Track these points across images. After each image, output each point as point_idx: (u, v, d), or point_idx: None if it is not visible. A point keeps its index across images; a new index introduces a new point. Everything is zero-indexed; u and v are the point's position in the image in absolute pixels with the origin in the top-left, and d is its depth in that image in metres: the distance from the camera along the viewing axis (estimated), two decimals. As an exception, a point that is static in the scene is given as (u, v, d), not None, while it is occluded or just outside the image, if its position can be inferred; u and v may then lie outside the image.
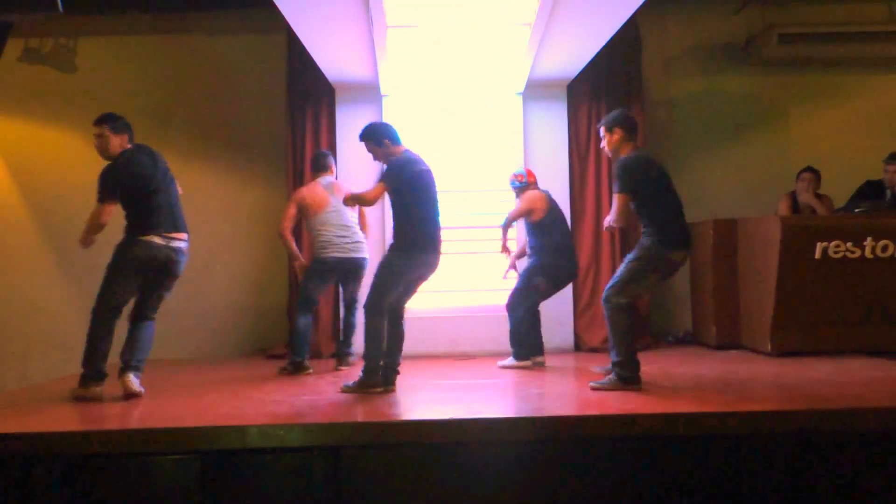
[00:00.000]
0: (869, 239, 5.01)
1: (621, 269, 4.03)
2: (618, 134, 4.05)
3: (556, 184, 5.68)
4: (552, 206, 5.12)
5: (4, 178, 6.53)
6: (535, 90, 6.07)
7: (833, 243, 5.01)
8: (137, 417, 3.66)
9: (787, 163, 6.32)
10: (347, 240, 4.96)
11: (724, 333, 5.66)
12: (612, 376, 3.96)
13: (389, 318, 4.17)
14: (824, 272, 5.04)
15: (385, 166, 4.21)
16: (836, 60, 6.55)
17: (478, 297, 5.95)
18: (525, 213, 5.11)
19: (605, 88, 6.28)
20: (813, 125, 6.71)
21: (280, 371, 4.99)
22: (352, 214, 5.01)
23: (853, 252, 5.02)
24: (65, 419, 3.59)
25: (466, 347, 5.75)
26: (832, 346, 5.08)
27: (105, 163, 4.11)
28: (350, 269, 5.02)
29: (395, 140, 4.24)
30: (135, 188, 4.04)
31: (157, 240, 4.03)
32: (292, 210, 5.09)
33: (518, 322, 5.04)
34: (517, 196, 5.24)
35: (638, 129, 4.14)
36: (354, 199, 4.22)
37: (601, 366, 4.49)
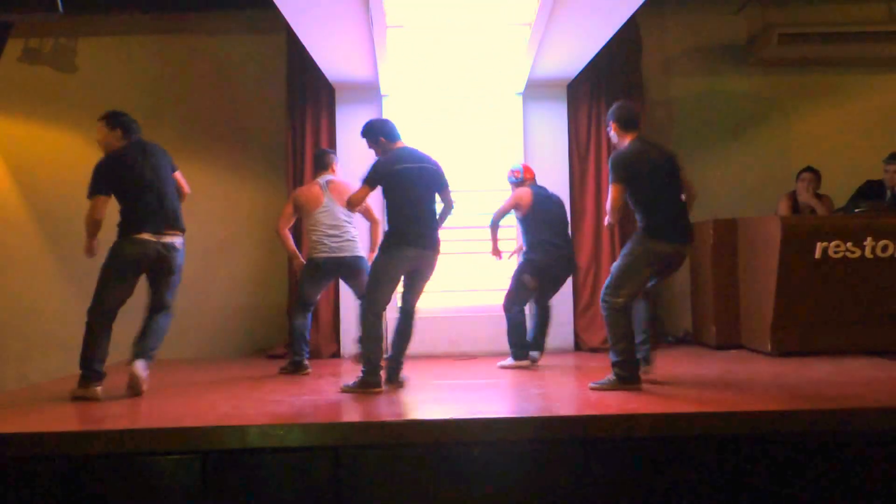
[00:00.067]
0: (869, 239, 5.01)
1: (614, 266, 4.06)
2: (614, 127, 4.12)
3: (556, 184, 5.68)
4: (538, 203, 5.10)
5: (4, 178, 6.53)
6: (535, 90, 6.08)
7: (833, 243, 5.01)
8: (137, 417, 3.67)
9: (787, 163, 6.32)
10: (337, 240, 4.94)
11: (724, 333, 5.66)
12: (610, 376, 3.96)
13: (400, 316, 4.25)
14: (824, 272, 5.04)
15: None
16: (836, 60, 6.56)
17: (478, 297, 5.95)
18: (509, 210, 5.14)
19: (605, 88, 6.28)
20: (813, 125, 6.71)
21: (280, 371, 5.00)
22: (346, 214, 4.99)
23: (853, 252, 5.02)
24: (65, 419, 3.59)
25: (466, 347, 5.76)
26: (832, 346, 5.07)
27: None
28: (342, 269, 5.00)
29: (390, 137, 4.27)
30: (123, 184, 4.07)
31: (147, 237, 4.04)
32: (288, 209, 5.11)
33: (514, 321, 5.05)
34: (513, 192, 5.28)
35: (635, 120, 4.11)
36: (346, 203, 4.34)
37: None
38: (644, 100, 6.35)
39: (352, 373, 4.32)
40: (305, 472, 3.15)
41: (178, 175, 4.32)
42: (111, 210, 4.12)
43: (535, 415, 3.46)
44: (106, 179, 4.07)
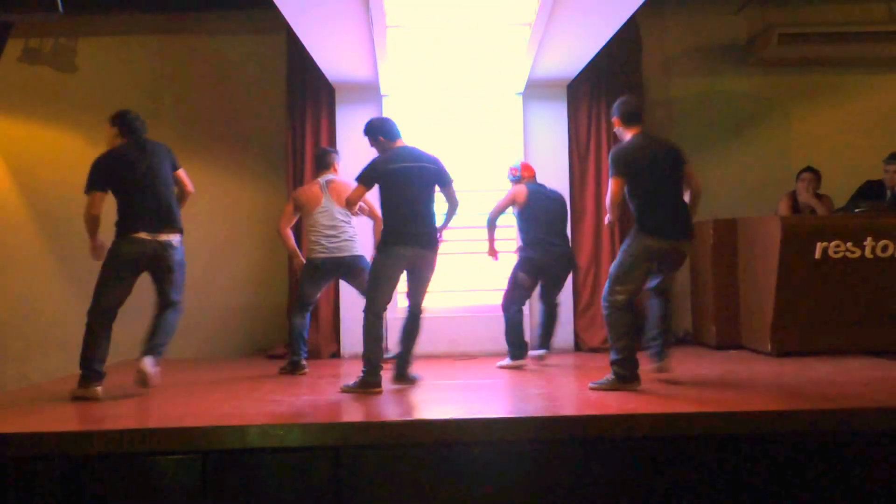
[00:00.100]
0: (869, 239, 5.01)
1: (613, 265, 4.08)
2: (616, 122, 4.14)
3: (555, 184, 5.67)
4: (533, 200, 5.11)
5: (4, 178, 6.53)
6: (535, 90, 6.08)
7: (833, 243, 5.01)
8: (137, 417, 3.67)
9: (787, 163, 6.32)
10: (335, 240, 4.95)
11: (724, 333, 5.66)
12: (610, 375, 3.96)
13: (406, 315, 4.27)
14: (824, 272, 5.04)
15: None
16: (836, 60, 6.56)
17: (478, 297, 5.95)
18: (504, 208, 5.16)
19: (605, 88, 6.27)
20: (813, 125, 6.71)
21: (280, 371, 5.00)
22: (343, 214, 4.98)
23: (853, 252, 5.02)
24: (65, 419, 3.59)
25: (466, 347, 5.75)
26: (832, 346, 5.08)
27: None
28: (340, 269, 5.00)
29: (389, 135, 4.28)
30: (119, 182, 4.08)
31: (143, 236, 4.04)
32: (289, 208, 5.13)
33: (512, 321, 5.06)
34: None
35: (637, 114, 4.11)
36: (345, 202, 4.37)
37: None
38: (644, 100, 6.33)
39: (352, 373, 4.32)
40: (305, 472, 3.15)
41: (181, 173, 4.31)
42: (111, 210, 4.12)
43: (535, 415, 3.46)
44: (101, 175, 4.09)
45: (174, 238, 4.15)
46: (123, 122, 4.19)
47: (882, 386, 3.92)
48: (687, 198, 4.11)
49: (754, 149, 6.63)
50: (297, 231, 5.48)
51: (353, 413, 3.66)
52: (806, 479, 3.16)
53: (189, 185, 4.35)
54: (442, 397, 4.10)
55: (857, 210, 5.31)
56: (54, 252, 6.39)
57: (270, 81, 6.41)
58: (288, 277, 6.10)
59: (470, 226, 5.88)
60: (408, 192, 4.15)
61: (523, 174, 5.26)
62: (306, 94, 6.22)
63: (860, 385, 3.96)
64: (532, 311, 5.98)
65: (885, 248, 5.01)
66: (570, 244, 5.41)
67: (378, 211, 5.07)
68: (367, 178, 4.18)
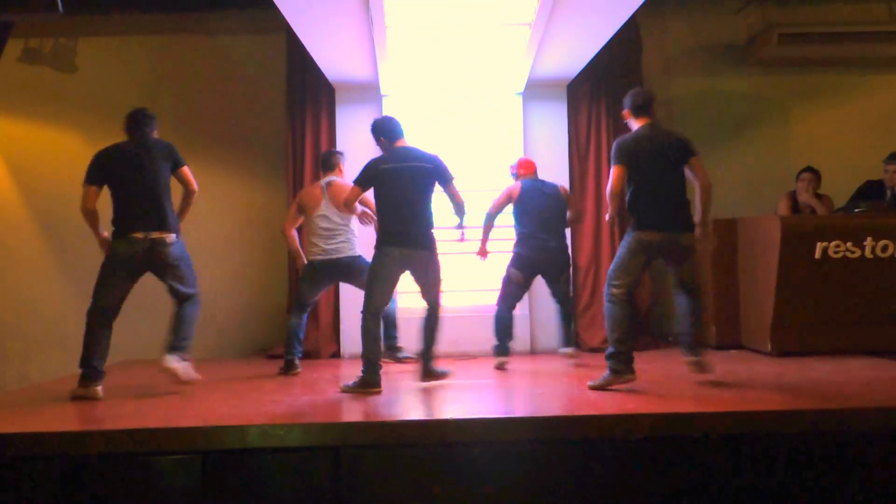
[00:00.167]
0: (869, 239, 5.02)
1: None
2: (626, 114, 4.17)
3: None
4: (525, 196, 5.11)
5: (4, 178, 6.53)
6: (535, 90, 6.07)
7: (833, 243, 5.01)
8: (138, 417, 3.66)
9: (787, 163, 6.32)
10: (332, 242, 4.96)
11: (723, 333, 5.65)
12: (606, 372, 3.97)
13: (425, 312, 4.27)
14: (824, 272, 5.04)
15: None
16: (836, 60, 6.56)
17: (478, 297, 5.95)
18: (501, 205, 5.17)
19: (605, 88, 6.27)
20: (813, 125, 6.71)
21: (280, 371, 5.00)
22: (340, 216, 4.98)
23: (853, 252, 5.02)
24: (65, 419, 3.59)
25: (466, 347, 5.75)
26: (832, 346, 5.07)
27: None
28: (337, 270, 5.01)
29: (390, 136, 4.29)
30: (112, 179, 4.13)
31: (136, 235, 4.07)
32: (293, 209, 5.17)
33: (497, 317, 5.07)
34: None
35: (646, 106, 4.09)
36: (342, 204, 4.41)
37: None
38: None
39: (352, 373, 4.32)
40: (305, 472, 3.15)
41: (185, 171, 4.29)
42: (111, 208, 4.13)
43: (536, 415, 3.47)
44: (95, 170, 4.15)
45: (168, 236, 4.15)
46: (128, 120, 4.24)
47: (882, 386, 3.92)
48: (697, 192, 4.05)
49: (754, 149, 6.63)
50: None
51: (352, 413, 3.66)
52: (806, 479, 3.16)
53: (193, 184, 4.34)
54: (442, 397, 4.09)
55: (857, 210, 5.31)
56: (54, 252, 6.39)
57: (270, 81, 6.41)
58: (288, 277, 6.10)
59: (470, 226, 5.87)
60: (399, 193, 4.15)
61: (519, 171, 5.28)
62: (306, 94, 6.22)
63: (860, 385, 3.96)
64: (532, 310, 6.01)
65: (885, 248, 5.01)
66: (567, 240, 5.38)
67: None
68: (361, 179, 4.23)
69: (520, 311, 5.80)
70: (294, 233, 5.15)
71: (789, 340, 5.11)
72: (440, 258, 4.29)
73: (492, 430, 3.24)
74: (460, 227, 4.43)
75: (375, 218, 4.80)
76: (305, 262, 5.11)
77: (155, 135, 4.33)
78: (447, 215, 4.43)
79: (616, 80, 6.27)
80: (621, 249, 4.06)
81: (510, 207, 5.20)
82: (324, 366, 5.43)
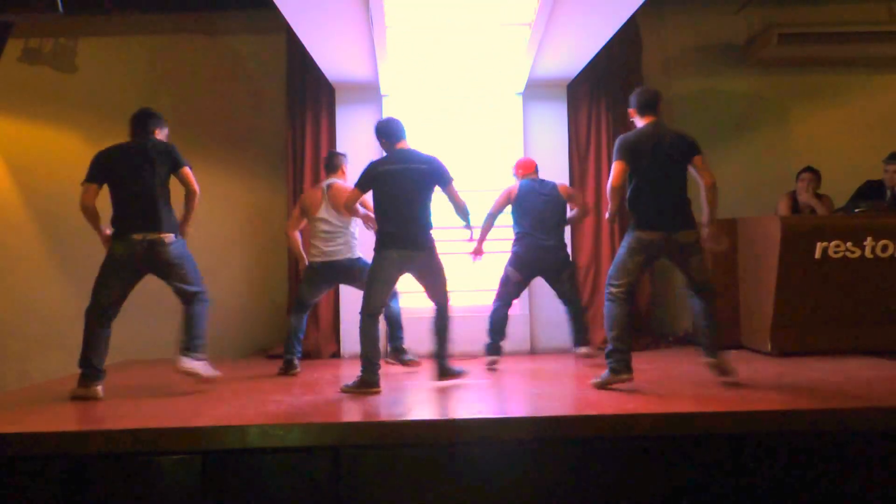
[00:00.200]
0: (869, 239, 5.02)
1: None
2: (632, 112, 4.17)
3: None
4: (521, 195, 5.12)
5: (4, 178, 6.53)
6: (535, 90, 6.08)
7: (833, 243, 5.02)
8: (138, 417, 3.66)
9: (787, 163, 6.32)
10: (331, 244, 4.96)
11: (723, 333, 5.64)
12: (605, 371, 3.98)
13: (435, 314, 4.29)
14: (824, 272, 5.04)
15: None
16: (836, 60, 6.56)
17: (478, 297, 5.94)
18: (501, 205, 5.17)
19: (605, 88, 6.28)
20: (813, 125, 6.71)
21: (280, 371, 5.00)
22: (339, 218, 4.98)
23: (853, 252, 5.02)
24: (65, 419, 3.59)
25: (466, 347, 5.73)
26: (832, 346, 5.07)
27: None
28: (336, 272, 5.02)
29: (390, 137, 4.30)
30: (109, 179, 4.16)
31: (133, 236, 4.08)
32: (296, 211, 5.19)
33: (492, 315, 5.08)
34: None
35: (651, 104, 4.08)
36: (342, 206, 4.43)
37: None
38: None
39: (352, 373, 4.32)
40: (305, 472, 3.15)
41: (185, 172, 4.26)
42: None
43: (535, 415, 3.46)
44: (95, 169, 4.17)
45: (166, 236, 4.15)
46: (132, 121, 4.27)
47: (882, 386, 3.92)
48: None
49: (754, 149, 6.64)
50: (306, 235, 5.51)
51: (352, 413, 3.65)
52: (806, 478, 3.16)
53: (193, 185, 4.32)
54: (442, 397, 4.09)
55: (857, 210, 5.31)
56: (54, 252, 6.39)
57: (270, 81, 6.41)
58: (288, 277, 6.10)
59: (477, 226, 5.87)
60: (398, 194, 4.16)
61: (517, 172, 5.29)
62: (306, 94, 6.23)
63: (860, 385, 3.96)
64: (532, 310, 6.01)
65: (885, 248, 5.01)
66: (565, 240, 5.37)
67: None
68: (360, 182, 4.25)
69: (520, 311, 5.83)
70: (297, 235, 5.17)
71: (789, 340, 5.11)
72: (441, 258, 4.30)
73: (492, 429, 3.24)
74: (467, 227, 4.44)
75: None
76: (307, 263, 5.12)
77: (165, 133, 4.34)
78: (453, 218, 4.42)
79: (616, 80, 6.28)
80: (621, 248, 4.07)
81: (511, 208, 5.21)
82: (324, 366, 5.43)
